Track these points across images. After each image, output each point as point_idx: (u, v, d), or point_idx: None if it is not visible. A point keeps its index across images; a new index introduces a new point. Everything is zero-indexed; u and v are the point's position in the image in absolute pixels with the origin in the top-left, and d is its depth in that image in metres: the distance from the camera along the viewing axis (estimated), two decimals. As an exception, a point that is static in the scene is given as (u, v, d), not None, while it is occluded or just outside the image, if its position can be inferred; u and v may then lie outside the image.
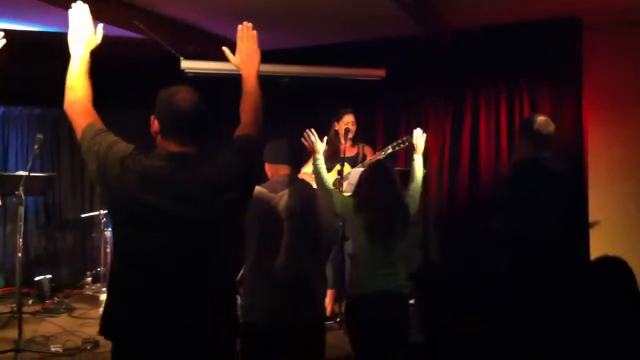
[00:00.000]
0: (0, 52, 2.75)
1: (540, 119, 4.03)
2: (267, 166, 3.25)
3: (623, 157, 5.49)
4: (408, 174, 3.94)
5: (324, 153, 5.18)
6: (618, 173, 5.45)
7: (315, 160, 3.84)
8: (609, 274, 2.67)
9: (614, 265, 2.70)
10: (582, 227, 5.28)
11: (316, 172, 3.81)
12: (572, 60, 5.60)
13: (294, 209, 3.11)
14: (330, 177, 5.23)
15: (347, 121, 5.34)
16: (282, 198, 3.11)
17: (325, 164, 5.31)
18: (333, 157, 5.30)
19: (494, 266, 4.06)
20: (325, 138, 4.02)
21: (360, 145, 5.51)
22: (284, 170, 3.22)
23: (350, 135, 5.30)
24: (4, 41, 2.78)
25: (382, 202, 3.48)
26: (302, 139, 3.89)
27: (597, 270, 2.72)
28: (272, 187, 3.12)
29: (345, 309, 3.70)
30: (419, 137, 4.04)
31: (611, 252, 2.81)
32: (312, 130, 3.93)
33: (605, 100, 5.62)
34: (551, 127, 4.01)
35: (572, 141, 5.57)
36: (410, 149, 4.11)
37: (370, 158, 5.26)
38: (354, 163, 5.30)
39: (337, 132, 5.27)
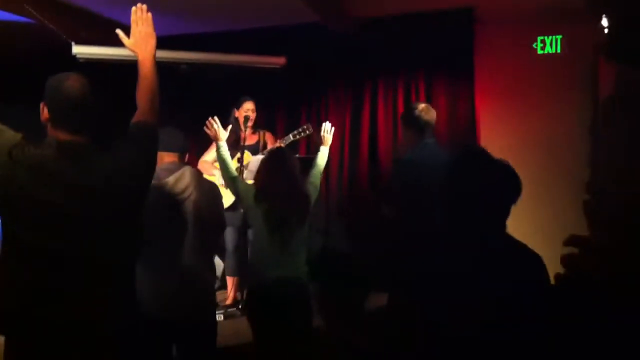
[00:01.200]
0: None
1: (421, 106, 4.28)
2: None
3: (513, 144, 5.71)
4: (307, 162, 4.00)
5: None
6: (509, 159, 5.68)
7: (218, 149, 3.82)
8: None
9: None
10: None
11: (220, 160, 3.79)
12: (465, 50, 5.79)
13: (180, 196, 3.08)
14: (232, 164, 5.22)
15: (247, 108, 5.29)
16: (167, 185, 3.07)
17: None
18: (234, 144, 5.26)
19: (391, 250, 4.20)
20: (230, 127, 4.02)
21: (261, 133, 5.49)
22: (169, 157, 3.17)
23: (250, 123, 5.27)
24: None
25: (280, 190, 3.49)
26: (205, 127, 3.88)
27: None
28: (156, 175, 3.05)
29: (245, 297, 3.71)
30: (327, 130, 4.13)
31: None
32: (215, 118, 3.90)
33: (496, 90, 5.85)
34: (432, 113, 4.24)
35: (465, 129, 5.79)
36: (318, 140, 4.18)
37: (270, 147, 5.26)
38: (254, 150, 5.29)
39: (237, 120, 5.23)
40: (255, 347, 3.56)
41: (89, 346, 2.13)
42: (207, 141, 4.83)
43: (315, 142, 6.04)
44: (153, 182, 2.98)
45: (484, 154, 2.36)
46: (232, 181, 3.72)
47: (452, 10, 5.63)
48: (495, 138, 5.78)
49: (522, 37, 5.70)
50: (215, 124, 3.88)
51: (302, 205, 3.59)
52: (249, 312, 3.63)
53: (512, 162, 5.98)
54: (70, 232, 2.12)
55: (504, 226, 2.17)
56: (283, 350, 3.34)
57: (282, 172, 3.54)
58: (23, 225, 2.13)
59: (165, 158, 3.15)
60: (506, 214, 2.18)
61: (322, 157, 4.01)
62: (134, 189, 2.24)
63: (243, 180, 3.87)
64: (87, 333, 2.12)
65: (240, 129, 5.11)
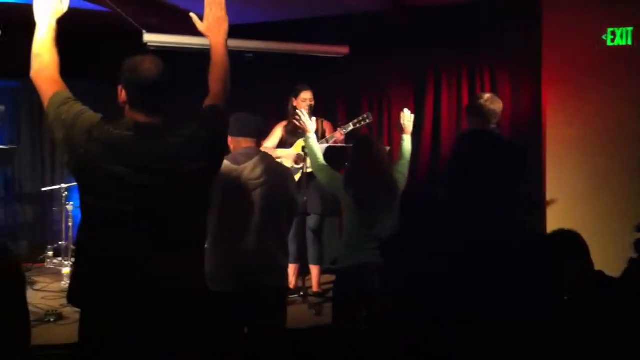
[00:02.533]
0: None
1: (486, 96, 4.30)
2: (229, 139, 3.27)
3: (581, 134, 5.60)
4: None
5: (284, 128, 5.30)
6: (575, 150, 5.57)
7: (307, 139, 3.96)
8: (563, 247, 2.76)
9: (568, 238, 2.79)
10: (538, 202, 5.44)
11: (309, 149, 3.92)
12: (532, 37, 5.69)
13: (257, 180, 3.15)
14: (292, 152, 5.29)
15: (305, 98, 5.32)
16: (245, 170, 3.15)
17: (286, 139, 5.40)
18: (292, 133, 5.34)
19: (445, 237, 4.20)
20: (314, 118, 4.14)
21: (320, 121, 5.52)
22: (246, 143, 3.26)
23: (308, 112, 5.29)
24: None
25: (371, 177, 3.57)
26: (294, 120, 3.99)
27: (552, 243, 2.80)
28: (234, 159, 3.15)
29: (334, 282, 3.81)
30: (407, 118, 4.16)
31: (566, 227, 2.90)
32: (303, 110, 4.15)
33: (564, 77, 5.72)
34: (497, 104, 4.24)
35: (531, 118, 5.72)
36: (399, 129, 4.22)
37: (330, 135, 5.29)
38: (313, 138, 5.33)
39: (295, 108, 5.25)
40: (333, 331, 3.64)
41: (162, 314, 2.20)
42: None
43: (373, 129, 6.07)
44: (232, 165, 3.10)
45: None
46: (320, 169, 3.83)
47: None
48: (562, 127, 5.66)
49: (591, 27, 5.56)
50: (304, 116, 4.00)
51: (390, 191, 3.65)
52: (335, 295, 3.72)
53: (578, 153, 5.88)
54: (142, 206, 2.21)
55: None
56: (363, 337, 3.41)
57: (371, 158, 3.62)
58: (99, 200, 2.22)
59: (243, 143, 3.24)
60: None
61: (407, 145, 4.06)
62: (202, 167, 2.30)
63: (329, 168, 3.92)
64: (160, 301, 2.20)
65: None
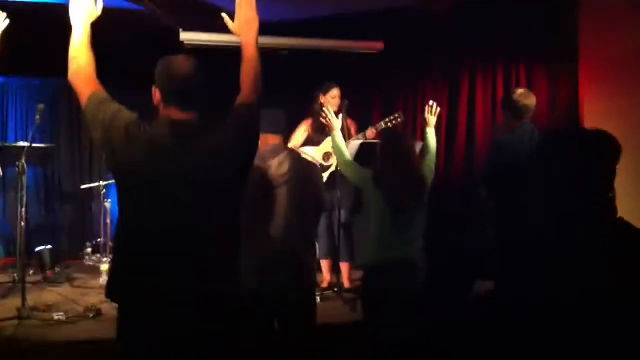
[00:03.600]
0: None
1: (520, 91, 4.28)
2: None
3: (620, 130, 5.48)
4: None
5: (310, 126, 5.27)
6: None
7: (334, 137, 3.94)
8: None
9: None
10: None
11: (336, 146, 3.91)
12: (568, 34, 5.62)
13: (284, 177, 3.16)
14: (321, 150, 5.27)
15: (334, 95, 5.26)
16: (272, 167, 3.15)
17: (313, 137, 5.37)
18: (320, 130, 5.29)
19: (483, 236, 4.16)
20: (340, 115, 4.10)
21: (344, 118, 5.47)
22: (273, 140, 3.25)
23: (336, 109, 5.23)
24: (7, 22, 2.88)
25: (400, 173, 3.55)
26: (320, 117, 4.02)
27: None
28: (261, 157, 3.12)
29: (362, 279, 3.79)
30: (431, 112, 4.13)
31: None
32: (329, 108, 4.10)
33: (603, 73, 5.63)
34: (530, 99, 4.21)
35: (569, 115, 5.63)
36: (423, 122, 4.19)
37: (359, 134, 5.23)
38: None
39: (322, 106, 5.17)
40: (365, 326, 3.63)
41: (196, 311, 2.24)
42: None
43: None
44: (259, 163, 3.09)
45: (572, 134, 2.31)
46: (348, 166, 3.81)
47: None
48: (601, 124, 5.54)
49: (628, 15, 5.45)
50: (330, 114, 3.99)
51: (419, 188, 3.63)
52: (363, 292, 3.71)
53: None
54: (178, 204, 2.24)
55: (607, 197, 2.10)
56: (394, 331, 3.41)
57: (402, 155, 3.60)
58: (136, 197, 2.27)
59: (270, 140, 3.23)
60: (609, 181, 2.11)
61: (431, 139, 4.03)
62: (236, 166, 2.33)
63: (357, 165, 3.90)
64: (195, 298, 2.23)
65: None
